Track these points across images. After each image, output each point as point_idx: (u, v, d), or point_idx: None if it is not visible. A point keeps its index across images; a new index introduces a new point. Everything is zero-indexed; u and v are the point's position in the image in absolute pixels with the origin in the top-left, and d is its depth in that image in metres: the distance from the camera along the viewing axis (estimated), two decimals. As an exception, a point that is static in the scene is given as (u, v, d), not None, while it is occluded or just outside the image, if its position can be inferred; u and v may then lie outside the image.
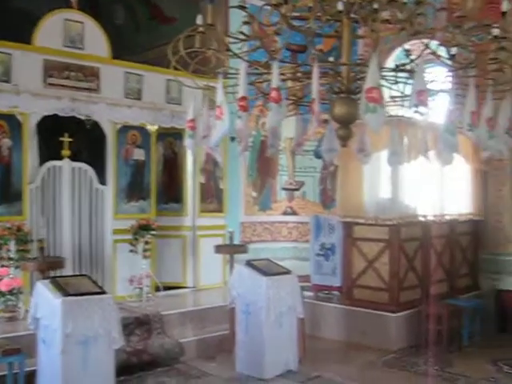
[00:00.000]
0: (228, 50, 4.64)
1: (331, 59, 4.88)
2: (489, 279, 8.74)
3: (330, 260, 8.48)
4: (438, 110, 4.50)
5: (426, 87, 3.74)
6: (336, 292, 8.47)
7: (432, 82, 5.08)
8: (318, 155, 9.25)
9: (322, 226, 8.64)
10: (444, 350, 7.21)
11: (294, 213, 10.20)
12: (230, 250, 8.64)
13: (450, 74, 4.94)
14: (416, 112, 3.64)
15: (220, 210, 9.35)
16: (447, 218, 8.30)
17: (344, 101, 4.20)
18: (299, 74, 4.85)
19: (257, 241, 9.94)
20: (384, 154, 5.57)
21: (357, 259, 7.96)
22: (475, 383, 6.25)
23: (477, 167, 8.66)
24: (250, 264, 6.60)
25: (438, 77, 5.32)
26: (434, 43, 4.63)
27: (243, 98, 3.95)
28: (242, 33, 4.60)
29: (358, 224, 7.93)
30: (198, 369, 6.65)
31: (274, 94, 3.81)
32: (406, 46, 5.43)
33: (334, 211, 9.02)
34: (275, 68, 3.92)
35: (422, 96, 3.60)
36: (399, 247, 7.62)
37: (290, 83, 5.01)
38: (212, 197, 9.29)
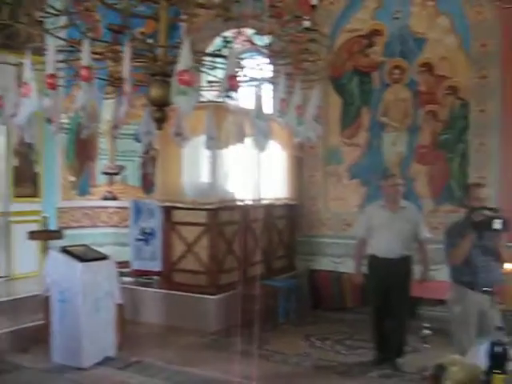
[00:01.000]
0: (38, 24, 4.42)
1: (150, 42, 4.84)
2: (303, 260, 9.23)
3: (150, 245, 8.43)
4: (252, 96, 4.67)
5: (236, 72, 3.83)
6: (156, 277, 8.45)
7: (252, 69, 5.24)
8: (138, 139, 9.11)
9: (141, 210, 8.55)
10: (261, 328, 7.45)
11: (113, 198, 10.01)
12: (43, 236, 8.24)
13: (266, 62, 5.12)
14: (227, 97, 3.71)
15: (35, 195, 8.89)
16: (265, 202, 8.59)
17: (159, 83, 4.18)
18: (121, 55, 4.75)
19: (76, 226, 9.62)
20: (203, 139, 5.63)
21: (176, 243, 7.98)
22: (289, 359, 6.56)
23: (292, 153, 9.06)
24: (64, 250, 6.36)
25: (259, 65, 5.50)
26: (251, 31, 4.78)
27: (51, 76, 3.78)
28: (53, 7, 4.40)
29: (176, 208, 7.95)
30: (10, 362, 6.30)
31: (84, 72, 3.70)
32: (227, 33, 5.54)
33: (155, 196, 8.96)
34: (86, 46, 3.80)
35: (232, 81, 3.67)
36: (218, 231, 7.77)
37: (109, 64, 4.89)
38: (27, 181, 8.81)
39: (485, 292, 4.72)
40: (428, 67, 8.43)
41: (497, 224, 4.58)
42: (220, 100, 4.13)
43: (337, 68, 9.01)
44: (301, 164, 9.24)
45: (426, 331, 6.41)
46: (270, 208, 8.75)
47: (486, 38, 8.01)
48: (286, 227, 9.22)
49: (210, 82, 5.21)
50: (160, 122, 4.28)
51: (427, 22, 8.44)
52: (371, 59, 8.84)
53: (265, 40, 4.88)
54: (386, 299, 6.15)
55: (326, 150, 9.11)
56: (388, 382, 5.86)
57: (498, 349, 2.78)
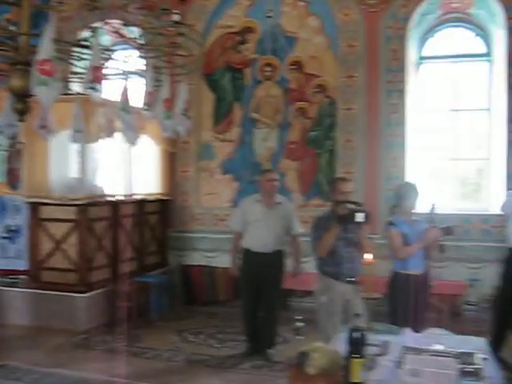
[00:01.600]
0: None
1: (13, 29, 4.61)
2: (176, 256, 9.18)
3: (16, 243, 8.05)
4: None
5: (101, 64, 3.74)
6: (23, 276, 8.07)
7: (120, 61, 5.12)
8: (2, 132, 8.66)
9: (6, 207, 8.15)
10: (134, 326, 7.36)
11: (-25, 194, 9.45)
12: None
13: (137, 55, 5.03)
14: (91, 88, 3.61)
15: None
16: (136, 197, 8.46)
17: (20, 73, 3.99)
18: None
19: None
20: (71, 132, 5.46)
21: (44, 241, 7.66)
22: (162, 355, 6.51)
23: (164, 148, 8.98)
24: None
25: (128, 57, 5.38)
26: (120, 23, 4.67)
27: None
28: None
29: (44, 204, 7.62)
30: None
31: None
32: (96, 24, 5.38)
33: (21, 191, 8.54)
34: None
35: (96, 72, 3.58)
36: (87, 227, 7.55)
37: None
38: None
39: (349, 282, 4.93)
40: (298, 65, 8.67)
41: (359, 217, 4.80)
42: (85, 92, 4.02)
43: (209, 64, 9.04)
44: (173, 159, 9.18)
45: (299, 324, 6.59)
46: (141, 203, 8.63)
47: (353, 40, 8.37)
48: (158, 223, 9.13)
49: (75, 73, 5.04)
50: (22, 113, 4.09)
51: (298, 21, 8.67)
52: (243, 56, 8.95)
53: (135, 32, 4.80)
54: (258, 292, 6.27)
55: (198, 146, 9.12)
56: (259, 373, 5.97)
57: (356, 334, 2.91)
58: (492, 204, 8.08)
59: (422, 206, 5.35)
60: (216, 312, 8.33)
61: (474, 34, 8.60)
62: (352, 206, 4.90)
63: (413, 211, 5.27)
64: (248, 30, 8.92)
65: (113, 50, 6.25)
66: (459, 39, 8.70)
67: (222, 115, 9.05)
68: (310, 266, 5.83)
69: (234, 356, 6.44)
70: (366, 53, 8.32)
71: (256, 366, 6.14)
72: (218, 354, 6.57)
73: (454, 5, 8.32)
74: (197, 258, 9.02)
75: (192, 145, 9.09)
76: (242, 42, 8.96)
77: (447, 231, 5.16)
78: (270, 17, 8.79)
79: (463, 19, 8.52)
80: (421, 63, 8.71)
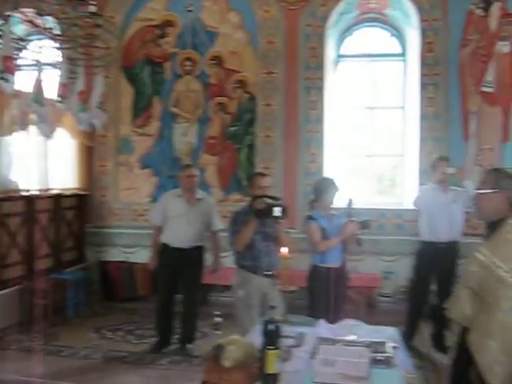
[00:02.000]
0: None
1: None
2: (94, 251, 9.01)
3: None
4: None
5: (13, 54, 3.62)
6: None
7: (35, 52, 4.96)
8: None
9: None
10: (50, 324, 7.18)
11: None
12: None
13: (53, 45, 4.89)
14: (2, 79, 3.49)
15: None
16: (53, 192, 8.24)
17: None
18: None
19: None
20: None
21: (-47, 237, 7.35)
22: (79, 352, 6.38)
23: (81, 142, 8.78)
24: None
25: (42, 48, 5.22)
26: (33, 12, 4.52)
27: None
28: None
29: (-46, 199, 7.32)
30: None
31: None
32: (9, 12, 5.19)
33: None
34: None
35: (8, 62, 3.46)
36: (1, 223, 7.28)
37: None
38: None
39: (266, 275, 4.99)
40: (218, 60, 8.68)
41: (277, 211, 4.86)
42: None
43: (128, 56, 8.91)
44: (91, 153, 8.99)
45: (218, 319, 6.60)
46: (58, 198, 8.39)
47: (273, 36, 8.45)
48: (75, 218, 8.92)
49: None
50: None
51: (219, 16, 8.67)
52: (163, 49, 8.87)
53: (50, 22, 4.66)
54: (176, 288, 6.25)
55: (116, 140, 8.96)
56: (178, 368, 5.95)
57: (271, 326, 2.95)
58: (406, 199, 8.37)
59: (340, 201, 5.48)
60: (135, 308, 8.23)
61: (389, 34, 8.86)
62: (270, 201, 4.95)
63: (331, 206, 5.38)
64: (168, 23, 8.85)
65: (27, 40, 6.05)
66: (376, 39, 8.95)
67: (141, 109, 8.94)
68: (229, 260, 5.85)
69: (153, 352, 6.40)
70: (286, 50, 8.42)
71: (175, 361, 6.12)
72: (137, 350, 6.50)
73: (371, 5, 8.55)
74: (115, 254, 8.88)
75: (110, 139, 8.93)
76: (162, 36, 8.87)
77: (364, 225, 5.30)
78: (190, 11, 8.75)
79: (379, 19, 8.77)
80: (339, 61, 8.90)
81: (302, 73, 8.39)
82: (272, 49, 8.46)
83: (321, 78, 8.38)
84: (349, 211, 5.21)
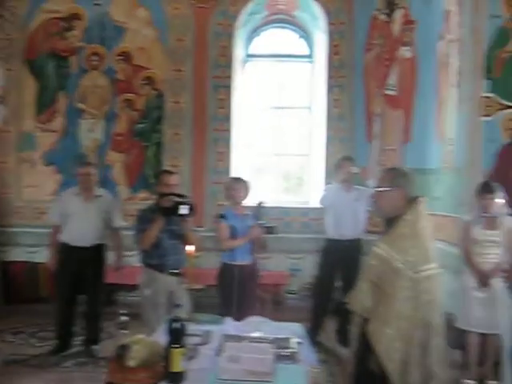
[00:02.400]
0: None
1: None
2: (-5, 251, 8.65)
3: None
4: None
5: None
6: None
7: None
8: None
9: None
10: None
11: None
12: None
13: None
14: None
15: None
16: None
17: None
18: None
19: None
20: None
21: None
22: None
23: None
24: None
25: None
26: None
27: None
28: None
29: None
30: None
31: None
32: None
33: None
34: None
35: None
36: None
37: None
38: None
39: (172, 274, 4.96)
40: (126, 56, 8.53)
41: (183, 209, 4.84)
42: None
43: (32, 49, 8.58)
44: (-8, 150, 8.62)
45: (123, 318, 6.49)
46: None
47: (182, 34, 8.41)
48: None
49: None
50: None
51: (127, 11, 8.52)
52: (69, 43, 8.61)
53: None
54: (77, 288, 6.10)
55: (18, 135, 8.61)
56: (82, 370, 5.80)
57: (176, 325, 2.94)
58: (312, 198, 8.55)
59: (251, 200, 5.54)
60: (37, 309, 7.94)
61: (297, 35, 9.01)
62: (177, 199, 4.93)
63: (243, 205, 5.44)
64: (75, 16, 8.60)
65: None
66: (284, 40, 9.08)
67: (45, 104, 8.63)
68: (135, 259, 5.77)
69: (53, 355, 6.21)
70: (195, 47, 8.39)
71: (79, 363, 5.97)
72: (40, 352, 6.29)
73: (280, 6, 8.67)
74: (17, 254, 8.54)
75: (12, 134, 8.58)
76: (69, 29, 8.61)
77: (269, 231, 5.41)
78: (98, 4, 8.55)
79: (288, 21, 8.91)
80: (247, 61, 8.97)
81: (211, 71, 8.39)
82: (181, 46, 8.41)
83: (229, 77, 8.42)
84: (258, 213, 5.28)
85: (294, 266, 8.24)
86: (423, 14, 7.81)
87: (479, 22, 6.15)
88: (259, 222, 5.29)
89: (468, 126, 6.32)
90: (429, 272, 3.16)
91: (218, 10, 8.37)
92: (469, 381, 5.36)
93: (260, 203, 5.31)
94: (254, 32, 8.94)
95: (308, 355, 3.49)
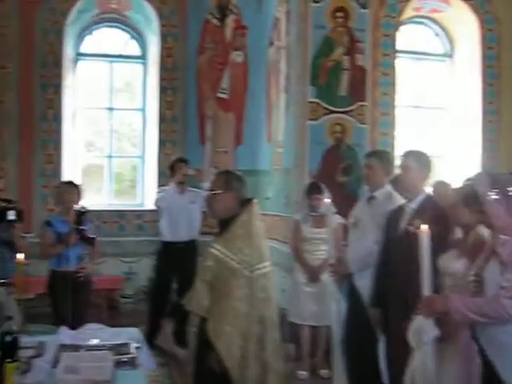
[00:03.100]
0: None
1: None
2: None
3: None
4: None
5: None
6: None
7: None
8: None
9: None
10: None
11: None
12: None
13: None
14: None
15: None
16: None
17: None
18: None
19: None
20: None
21: None
22: None
23: None
24: None
25: None
26: None
27: None
28: None
29: None
30: None
31: None
32: None
33: None
34: None
35: None
36: None
37: None
38: None
39: (1, 284, 4.69)
40: None
41: (11, 215, 4.61)
42: None
43: None
44: None
45: None
46: None
47: (5, 28, 7.88)
48: None
49: None
50: None
51: None
52: None
53: None
54: None
55: None
56: None
57: (8, 338, 2.79)
58: (146, 200, 8.48)
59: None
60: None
61: (129, 36, 8.88)
62: (3, 204, 4.67)
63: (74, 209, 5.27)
64: None
65: None
66: (116, 39, 8.91)
67: None
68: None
69: None
70: (21, 44, 7.93)
71: None
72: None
73: (112, 5, 8.48)
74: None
75: None
76: None
77: (88, 239, 5.27)
78: None
79: (120, 20, 8.74)
80: (78, 60, 8.67)
81: (38, 69, 7.99)
82: (4, 42, 7.89)
83: (59, 76, 8.07)
84: (80, 219, 5.15)
85: (129, 270, 8.11)
86: (254, 20, 8.09)
87: (305, 32, 6.48)
88: (80, 227, 5.15)
89: (295, 129, 6.64)
90: (263, 270, 3.30)
91: (46, 5, 7.97)
92: (302, 372, 5.65)
93: (81, 208, 5.18)
94: (86, 30, 8.66)
95: (146, 359, 3.48)
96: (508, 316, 2.62)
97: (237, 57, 8.25)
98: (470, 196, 2.83)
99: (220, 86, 8.30)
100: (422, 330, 2.98)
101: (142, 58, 8.90)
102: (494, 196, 2.73)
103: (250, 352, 3.20)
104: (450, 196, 3.50)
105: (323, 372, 5.59)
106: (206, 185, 7.33)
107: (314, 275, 5.62)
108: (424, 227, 2.97)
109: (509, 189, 2.74)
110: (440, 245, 3.32)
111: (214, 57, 8.32)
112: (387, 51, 7.72)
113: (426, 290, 2.95)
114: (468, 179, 2.93)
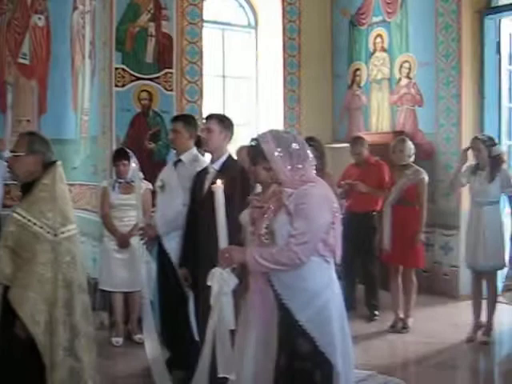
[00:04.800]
0: None
1: None
2: None
3: None
4: None
5: None
6: None
7: None
8: None
9: None
10: None
11: None
12: None
13: None
14: None
15: None
16: None
17: None
18: None
19: None
20: None
21: None
22: None
23: None
24: None
25: None
26: None
27: None
28: None
29: None
30: None
31: None
32: None
33: None
34: None
35: None
36: None
37: None
38: None
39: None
40: None
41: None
42: None
43: None
44: None
45: None
46: None
47: None
48: None
49: None
50: None
51: None
52: None
53: None
54: None
55: None
56: None
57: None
58: None
59: None
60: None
61: None
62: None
63: None
64: None
65: None
66: None
67: None
68: None
69: None
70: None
71: None
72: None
73: None
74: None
75: None
76: None
77: None
78: None
79: None
80: None
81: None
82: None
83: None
84: None
85: None
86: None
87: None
88: None
89: (102, 96, 6.53)
90: (68, 233, 3.24)
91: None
92: (117, 338, 5.67)
93: None
94: None
95: None
96: (300, 261, 2.84)
97: (38, 20, 7.86)
98: (258, 154, 3.00)
99: (21, 52, 7.86)
100: (222, 281, 3.08)
101: None
102: (278, 153, 2.94)
103: (57, 317, 3.15)
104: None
105: (137, 337, 5.64)
106: (8, 154, 7.00)
107: (123, 241, 5.62)
108: (218, 182, 3.07)
109: (291, 145, 2.95)
110: (240, 201, 3.50)
111: (13, 19, 7.84)
112: (194, 20, 7.80)
113: (223, 242, 3.07)
114: (253, 139, 3.07)
